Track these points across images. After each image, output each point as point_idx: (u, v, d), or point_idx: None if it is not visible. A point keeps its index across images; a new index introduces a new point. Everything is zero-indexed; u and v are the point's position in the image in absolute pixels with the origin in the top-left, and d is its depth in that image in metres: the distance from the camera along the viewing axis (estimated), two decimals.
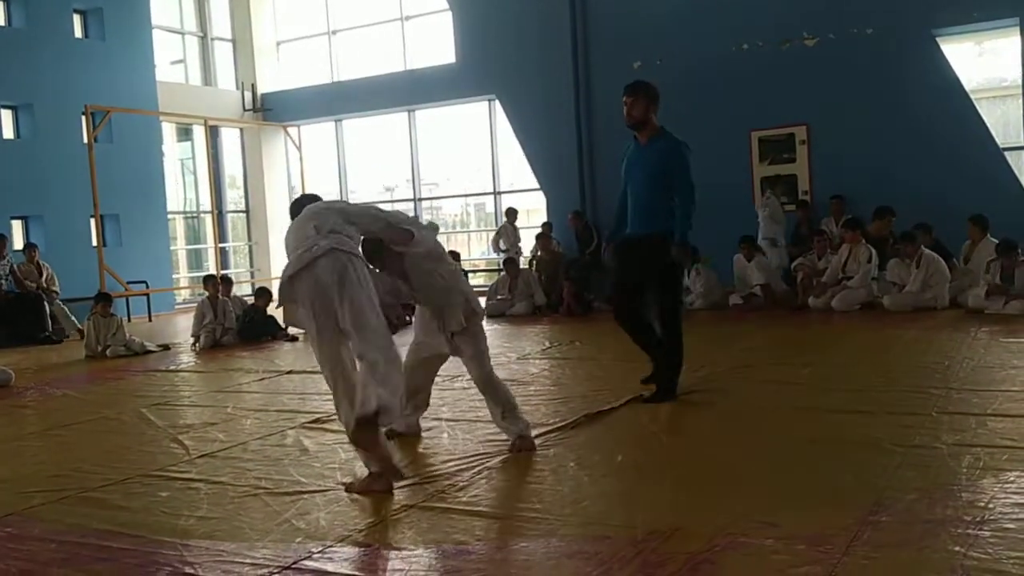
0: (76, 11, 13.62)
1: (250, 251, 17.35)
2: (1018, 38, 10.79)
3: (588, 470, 3.99)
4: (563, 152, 13.35)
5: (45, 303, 11.17)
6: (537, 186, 14.01)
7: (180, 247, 16.43)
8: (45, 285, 11.49)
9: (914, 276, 9.04)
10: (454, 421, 5.10)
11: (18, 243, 12.39)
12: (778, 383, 5.79)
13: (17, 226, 12.86)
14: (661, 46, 12.40)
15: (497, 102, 14.34)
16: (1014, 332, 7.23)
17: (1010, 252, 8.56)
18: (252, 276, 16.76)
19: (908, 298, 9.00)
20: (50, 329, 11.08)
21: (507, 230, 13.20)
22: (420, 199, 16.21)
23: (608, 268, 5.92)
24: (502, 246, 13.09)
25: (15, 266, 11.27)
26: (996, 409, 4.57)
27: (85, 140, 12.83)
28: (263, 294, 10.25)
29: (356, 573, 2.96)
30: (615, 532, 3.14)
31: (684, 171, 5.24)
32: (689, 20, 12.20)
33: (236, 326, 9.84)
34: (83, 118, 12.80)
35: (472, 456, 4.29)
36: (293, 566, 3.02)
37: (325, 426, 5.14)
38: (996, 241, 8.88)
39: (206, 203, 16.12)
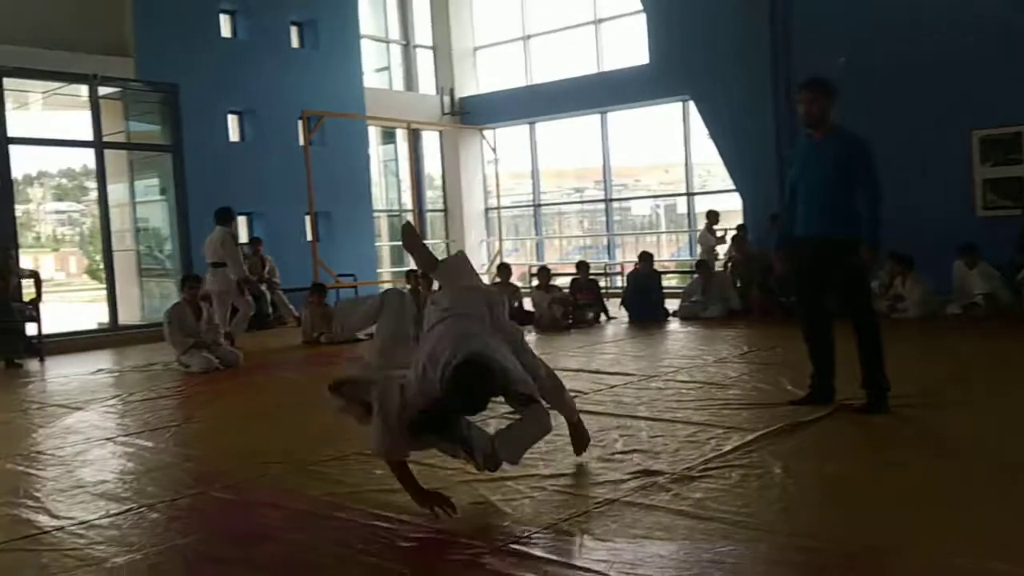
0: (293, 23, 14.64)
1: (447, 249, 18.01)
2: None
3: (796, 478, 3.87)
4: (761, 153, 12.94)
5: (267, 292, 12.16)
6: (732, 187, 13.67)
7: (384, 243, 17.31)
8: (267, 276, 12.49)
9: None
10: (652, 420, 5.08)
11: (243, 238, 13.50)
12: (1000, 401, 5.36)
13: (242, 222, 14.01)
14: (869, 40, 11.73)
15: (691, 102, 14.12)
16: None
17: None
18: None
19: None
20: (272, 316, 12.06)
21: (706, 234, 13.00)
22: (610, 199, 16.25)
23: (782, 273, 5.55)
24: (712, 242, 12.88)
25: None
26: None
27: (301, 143, 13.79)
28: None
29: (561, 560, 3.02)
30: (825, 544, 3.04)
31: (871, 167, 5.00)
32: (904, 9, 11.47)
33: None
34: (299, 122, 13.75)
35: (673, 456, 4.27)
36: (501, 549, 3.13)
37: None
38: None
39: (407, 203, 16.90)
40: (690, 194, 14.99)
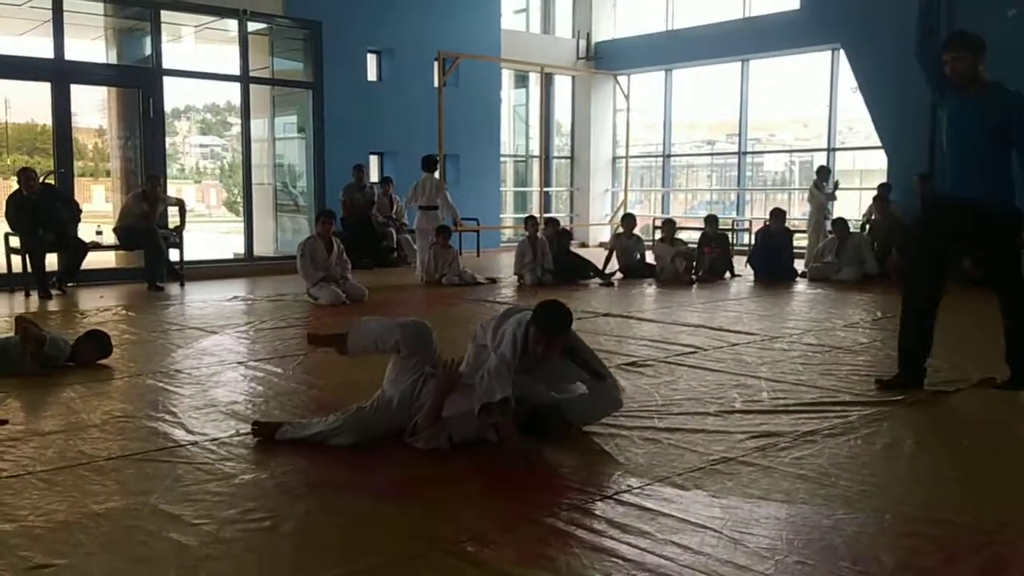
0: None
1: (571, 197, 17.91)
2: None
3: (928, 450, 3.68)
4: (913, 109, 12.14)
5: (394, 231, 12.43)
6: (877, 144, 12.95)
7: (508, 188, 17.36)
8: (396, 216, 12.74)
9: None
10: (774, 382, 4.92)
11: (374, 177, 13.78)
12: None
13: (374, 161, 14.29)
14: None
15: (841, 52, 13.37)
16: None
17: None
18: (571, 221, 17.30)
19: None
20: (396, 255, 12.34)
21: (815, 189, 12.32)
22: (745, 152, 15.69)
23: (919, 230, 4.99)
24: (823, 199, 12.19)
25: (349, 198, 12.39)
26: None
27: (436, 84, 13.87)
28: (565, 235, 10.98)
29: (673, 514, 2.97)
30: (959, 519, 2.88)
31: None
32: None
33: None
34: (435, 64, 13.83)
35: (795, 419, 4.12)
36: (614, 496, 3.10)
37: (640, 370, 5.20)
38: None
39: (535, 149, 16.83)
40: (831, 150, 14.30)
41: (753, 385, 4.82)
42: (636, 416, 4.15)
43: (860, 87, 12.83)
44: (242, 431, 3.91)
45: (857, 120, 13.74)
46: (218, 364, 5.45)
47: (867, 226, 11.49)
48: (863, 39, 12.83)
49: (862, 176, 14.79)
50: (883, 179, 12.46)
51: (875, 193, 11.62)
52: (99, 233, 9.77)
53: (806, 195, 12.66)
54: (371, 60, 13.97)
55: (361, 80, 13.53)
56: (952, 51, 4.65)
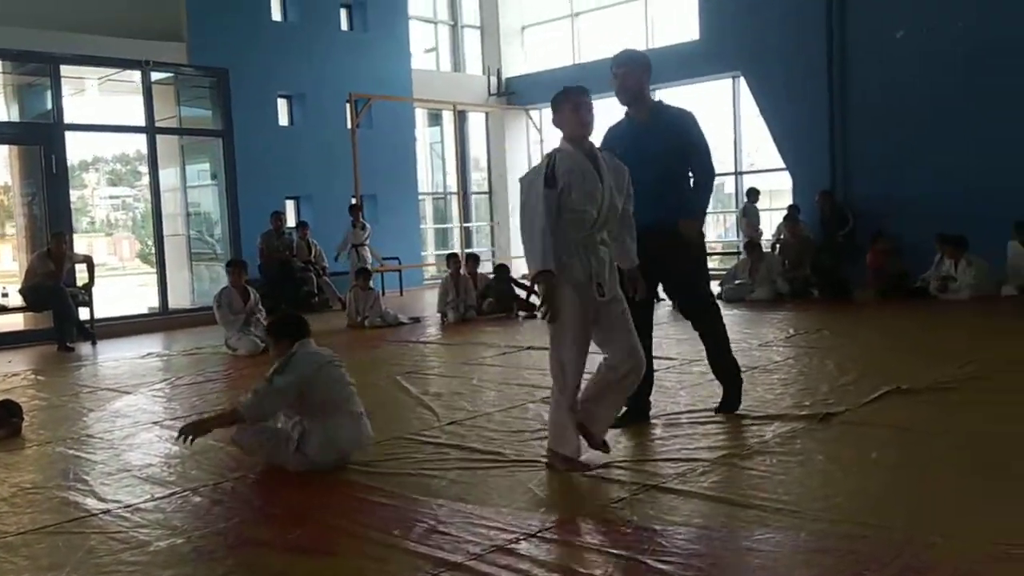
0: (343, 5, 14.70)
1: (492, 231, 18.02)
2: None
3: (839, 465, 3.79)
4: (813, 130, 12.66)
5: (313, 275, 12.30)
6: (781, 166, 13.41)
7: (429, 226, 17.38)
8: (314, 260, 12.62)
9: None
10: (693, 408, 5.01)
11: (290, 222, 13.64)
12: None
13: (290, 205, 14.16)
14: (932, 10, 11.38)
15: (742, 79, 13.86)
16: None
17: None
18: (493, 255, 17.40)
19: None
20: (317, 299, 12.20)
21: (749, 212, 12.78)
22: None
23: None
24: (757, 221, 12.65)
25: (266, 244, 12.23)
26: None
27: (349, 126, 13.86)
28: (504, 269, 10.88)
29: (597, 546, 3.00)
30: (871, 532, 2.97)
31: (699, 137, 4.66)
32: None
33: (481, 301, 10.29)
34: (347, 105, 13.83)
35: (713, 442, 4.21)
36: (537, 534, 3.11)
37: None
38: None
39: (453, 185, 16.91)
40: (738, 173, 14.74)
41: (672, 410, 4.90)
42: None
43: (761, 111, 13.30)
44: (156, 495, 3.80)
45: (761, 142, 14.20)
46: (132, 426, 5.30)
47: (777, 246, 11.84)
48: (760, 66, 13.33)
49: (771, 197, 15.26)
50: (789, 199, 12.90)
51: (785, 214, 12.02)
52: (4, 295, 9.43)
53: (736, 216, 13.04)
54: (282, 105, 13.90)
55: (272, 125, 13.44)
56: (621, 67, 4.68)
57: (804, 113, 12.72)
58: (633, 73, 4.71)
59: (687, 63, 14.26)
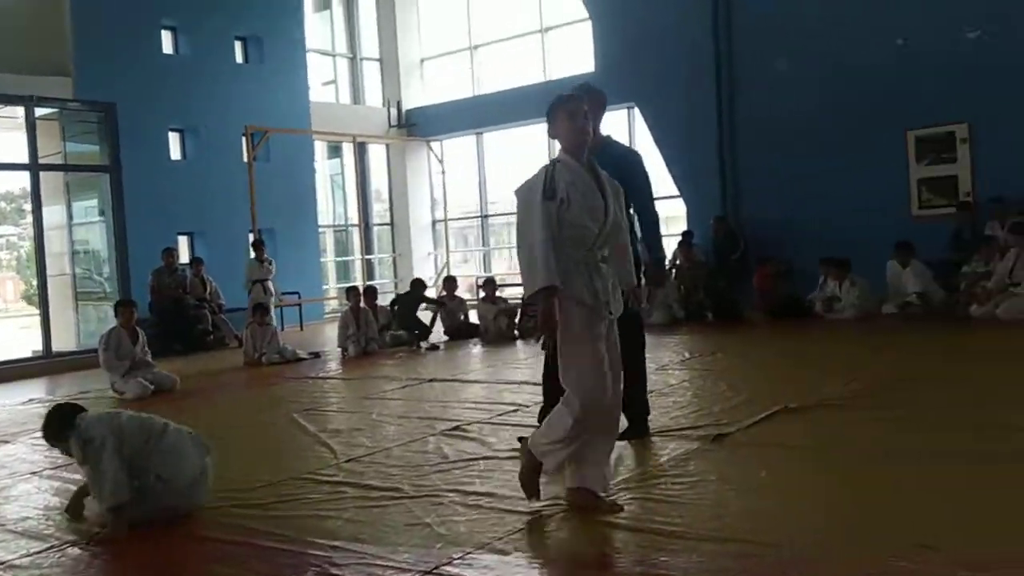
0: (238, 38, 14.47)
1: (394, 263, 17.89)
2: None
3: (731, 485, 3.87)
4: (705, 158, 13.09)
5: (208, 313, 11.94)
6: (676, 193, 13.79)
7: (330, 259, 17.14)
8: (209, 298, 12.26)
9: None
10: None
11: (184, 258, 13.25)
12: (937, 396, 5.44)
13: (183, 241, 13.76)
14: (810, 45, 11.95)
15: (637, 110, 14.23)
16: None
17: None
18: (396, 287, 17.26)
19: None
20: (213, 337, 11.84)
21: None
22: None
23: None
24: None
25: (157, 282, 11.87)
26: None
27: (245, 159, 13.59)
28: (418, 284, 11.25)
29: None
30: (761, 551, 3.03)
31: (644, 180, 4.74)
32: (841, 16, 11.69)
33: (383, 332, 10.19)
34: (243, 139, 13.57)
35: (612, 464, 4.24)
36: (434, 571, 3.06)
37: (465, 433, 5.21)
38: None
39: (354, 217, 16.75)
40: None
41: None
42: (458, 481, 4.14)
43: (656, 141, 13.66)
44: (33, 549, 3.59)
45: (659, 168, 14.55)
46: (8, 477, 5.01)
47: (674, 271, 12.11)
48: (655, 98, 13.72)
49: (667, 223, 15.63)
50: (684, 225, 13.25)
51: (679, 239, 12.33)
52: None
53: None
54: (173, 139, 13.55)
55: (163, 160, 13.09)
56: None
57: (696, 142, 13.14)
58: (589, 108, 4.66)
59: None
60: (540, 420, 4.31)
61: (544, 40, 15.98)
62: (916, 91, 11.05)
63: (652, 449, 4.54)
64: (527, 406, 5.98)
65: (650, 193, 4.81)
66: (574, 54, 15.22)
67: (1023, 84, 10.44)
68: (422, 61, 17.93)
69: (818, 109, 11.75)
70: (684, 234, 12.44)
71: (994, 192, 10.38)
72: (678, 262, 12.06)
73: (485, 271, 16.95)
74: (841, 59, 11.56)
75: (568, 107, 3.60)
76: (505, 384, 7.12)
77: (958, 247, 10.32)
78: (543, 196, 3.46)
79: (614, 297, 3.60)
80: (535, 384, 6.89)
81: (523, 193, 3.59)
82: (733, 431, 4.78)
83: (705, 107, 13.00)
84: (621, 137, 14.53)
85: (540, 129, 15.87)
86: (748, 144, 12.75)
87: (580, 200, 3.50)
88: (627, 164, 4.69)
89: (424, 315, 11.16)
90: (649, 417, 4.96)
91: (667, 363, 7.55)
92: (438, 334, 10.89)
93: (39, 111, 11.33)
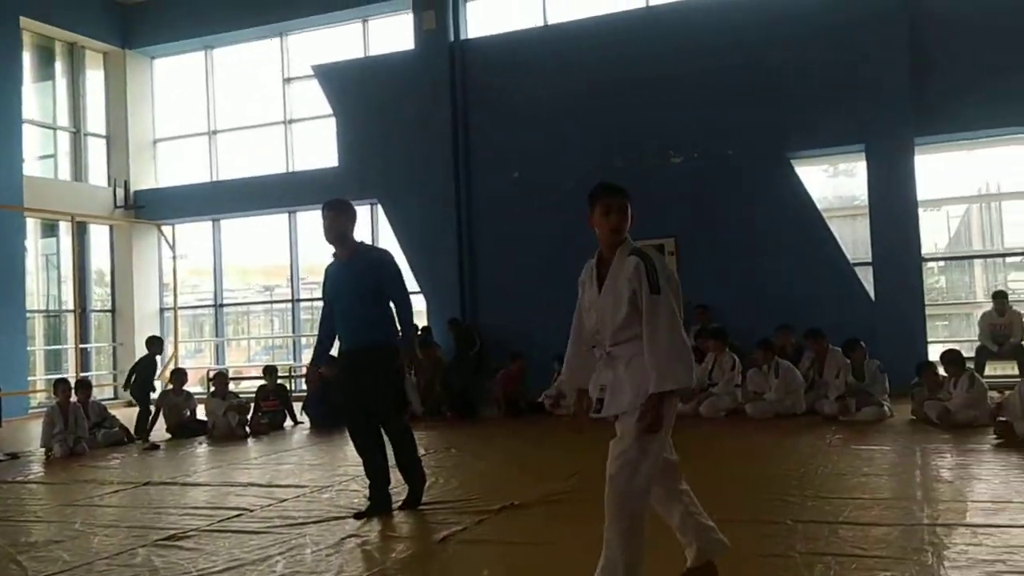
0: None
1: (114, 352, 16.56)
2: (860, 163, 11.78)
3: None
4: (445, 257, 13.54)
5: None
6: (418, 290, 14.07)
7: (39, 347, 15.53)
8: None
9: (775, 385, 9.45)
10: (317, 545, 4.92)
11: None
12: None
13: None
14: (539, 159, 12.93)
15: (379, 205, 14.48)
16: (865, 439, 7.63)
17: (855, 348, 9.14)
18: (114, 379, 15.95)
19: (769, 405, 9.38)
20: None
21: None
22: (299, 300, 15.98)
23: (352, 385, 5.40)
24: None
25: None
26: (846, 517, 4.77)
27: None
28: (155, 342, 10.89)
29: None
30: None
31: (400, 280, 5.45)
32: (567, 136, 12.78)
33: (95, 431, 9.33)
34: None
35: (337, 573, 4.16)
36: None
37: (179, 543, 4.88)
38: (839, 349, 9.39)
39: (69, 301, 15.40)
40: None
41: (297, 544, 4.76)
42: None
43: (397, 238, 13.94)
44: None
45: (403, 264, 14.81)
46: None
47: (411, 368, 12.24)
48: (396, 196, 14.09)
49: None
50: (424, 322, 13.51)
51: (419, 335, 12.52)
52: None
53: None
54: None
55: None
56: (329, 211, 5.40)
57: (437, 241, 13.58)
58: (339, 218, 5.37)
59: (327, 188, 14.53)
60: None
61: (288, 131, 15.91)
62: (635, 207, 12.18)
63: (378, 553, 4.51)
64: (251, 510, 5.71)
65: (401, 283, 5.46)
66: (318, 147, 15.29)
67: (721, 205, 11.92)
68: (155, 142, 17.15)
69: (544, 221, 12.67)
70: (422, 330, 12.66)
71: (698, 300, 11.58)
72: (417, 357, 12.19)
73: (219, 363, 16.15)
74: (568, 171, 12.56)
75: (605, 200, 3.53)
76: (231, 487, 6.76)
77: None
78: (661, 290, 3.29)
79: None
80: (263, 486, 6.65)
81: (665, 270, 3.38)
82: (460, 529, 4.86)
83: (446, 209, 13.54)
84: (364, 233, 14.76)
85: (282, 219, 15.82)
86: (486, 247, 13.40)
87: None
88: (380, 262, 5.44)
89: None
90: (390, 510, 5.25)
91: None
92: (160, 432, 10.17)
93: None
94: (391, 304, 5.43)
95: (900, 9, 11.33)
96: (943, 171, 12.56)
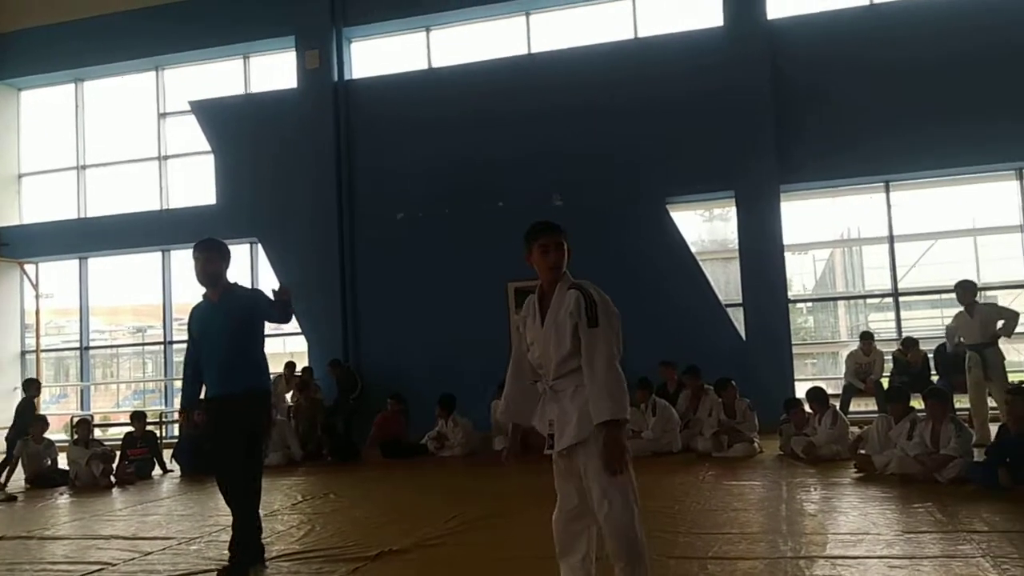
0: None
1: None
2: (734, 208, 12.33)
3: None
4: (327, 298, 13.34)
5: None
6: (299, 330, 13.80)
7: None
8: None
9: (652, 423, 9.67)
10: None
11: None
12: (520, 531, 5.86)
13: None
14: (424, 200, 12.97)
15: (259, 245, 14.17)
16: (736, 475, 7.89)
17: (726, 386, 9.49)
18: None
19: (646, 443, 9.58)
20: None
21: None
22: (172, 341, 15.38)
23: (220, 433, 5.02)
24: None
25: None
26: (716, 552, 4.92)
27: None
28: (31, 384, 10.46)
29: None
30: None
31: (272, 310, 5.18)
32: (450, 178, 12.88)
33: None
34: None
35: None
36: None
37: None
38: (712, 386, 9.74)
39: None
40: None
41: None
42: None
43: (278, 279, 13.64)
44: None
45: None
46: None
47: (291, 410, 11.96)
48: (277, 236, 13.84)
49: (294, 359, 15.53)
50: (306, 363, 13.24)
51: (299, 378, 12.24)
52: None
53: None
54: None
55: None
56: (204, 252, 5.11)
57: (319, 283, 13.36)
58: (213, 259, 5.09)
59: (205, 226, 14.11)
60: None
61: (163, 168, 15.42)
62: (515, 249, 12.32)
63: None
64: (113, 564, 5.43)
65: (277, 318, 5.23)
66: (194, 184, 14.88)
67: (601, 247, 12.21)
68: (20, 176, 16.32)
69: (427, 263, 12.70)
70: (304, 370, 12.41)
71: None
72: (298, 400, 11.95)
73: (85, 408, 15.34)
74: (453, 213, 12.66)
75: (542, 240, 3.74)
76: (92, 539, 6.41)
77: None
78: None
79: None
80: (126, 538, 6.34)
81: (604, 302, 3.51)
82: None
83: (328, 249, 13.38)
84: (243, 272, 14.41)
85: (155, 257, 15.28)
86: (369, 287, 13.29)
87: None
88: (250, 301, 5.18)
89: None
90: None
91: (277, 509, 7.33)
92: (18, 482, 9.56)
93: None
94: (263, 341, 5.21)
95: (766, 81, 11.96)
96: (809, 217, 13.28)
